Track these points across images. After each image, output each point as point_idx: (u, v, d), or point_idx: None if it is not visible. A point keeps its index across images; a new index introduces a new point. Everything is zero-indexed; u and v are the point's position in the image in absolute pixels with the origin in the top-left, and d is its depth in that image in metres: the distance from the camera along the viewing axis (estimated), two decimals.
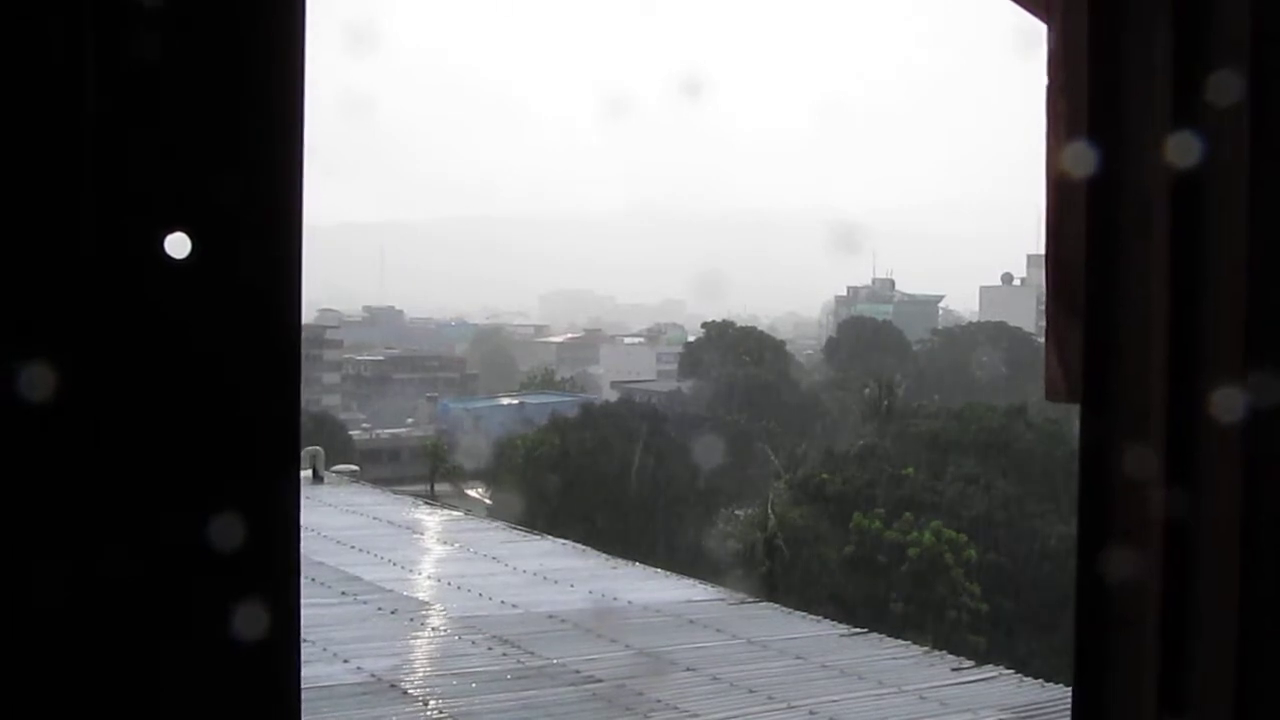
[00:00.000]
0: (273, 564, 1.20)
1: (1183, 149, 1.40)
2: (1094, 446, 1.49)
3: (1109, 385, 1.47)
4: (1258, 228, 1.36)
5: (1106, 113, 1.47)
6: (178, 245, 1.19)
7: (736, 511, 42.61)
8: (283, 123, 1.22)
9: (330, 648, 15.89)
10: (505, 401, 73.09)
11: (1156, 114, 1.43)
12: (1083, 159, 1.51)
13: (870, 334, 71.76)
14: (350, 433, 69.40)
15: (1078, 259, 1.53)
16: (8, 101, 1.14)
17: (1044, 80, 1.61)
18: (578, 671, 16.33)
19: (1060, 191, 1.60)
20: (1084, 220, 1.50)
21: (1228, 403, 1.38)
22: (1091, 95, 1.48)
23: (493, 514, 41.74)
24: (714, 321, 65.93)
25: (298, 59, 1.23)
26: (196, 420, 1.20)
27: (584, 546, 25.67)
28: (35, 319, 1.15)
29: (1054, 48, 1.60)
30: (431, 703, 14.75)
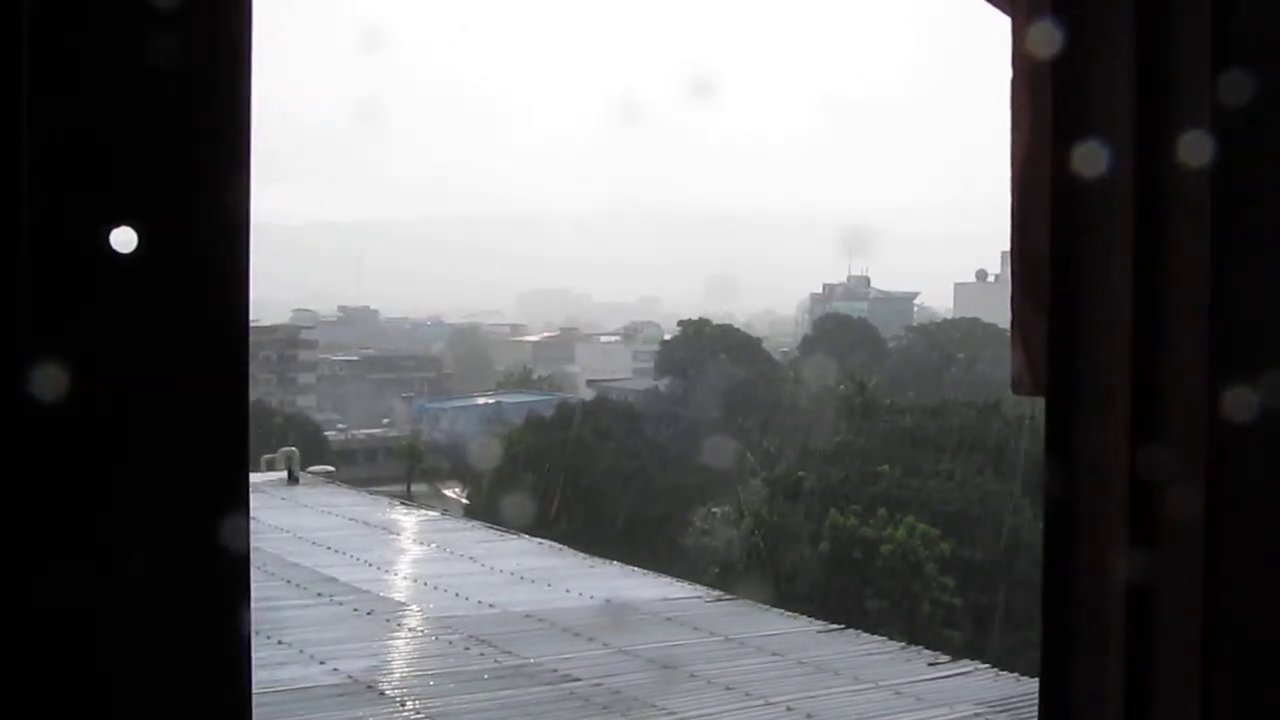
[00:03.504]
0: (223, 564, 1.20)
1: (1147, 145, 1.41)
2: (1060, 435, 1.50)
3: (1073, 377, 1.48)
4: (1221, 224, 1.38)
5: (1070, 108, 1.48)
6: (123, 242, 1.18)
7: (713, 509, 42.67)
8: (229, 121, 1.21)
9: (306, 649, 15.83)
10: (481, 401, 73.00)
11: (1120, 111, 1.44)
12: (1047, 153, 1.52)
13: (846, 331, 72.02)
14: (325, 433, 69.15)
15: (1043, 253, 1.54)
16: None
17: (1009, 73, 1.62)
18: (555, 671, 16.31)
19: (1025, 185, 1.61)
20: (1048, 214, 1.51)
21: (1193, 392, 1.39)
22: (1055, 90, 1.49)
23: (469, 513, 41.66)
24: (690, 320, 66.02)
25: (244, 52, 1.22)
26: (144, 420, 1.19)
27: (561, 546, 25.66)
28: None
29: (1017, 40, 1.61)
30: (409, 703, 14.70)
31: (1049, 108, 1.53)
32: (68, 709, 1.16)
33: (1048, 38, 1.49)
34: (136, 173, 1.19)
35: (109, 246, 1.16)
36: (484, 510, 40.80)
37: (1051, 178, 1.49)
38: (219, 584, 1.19)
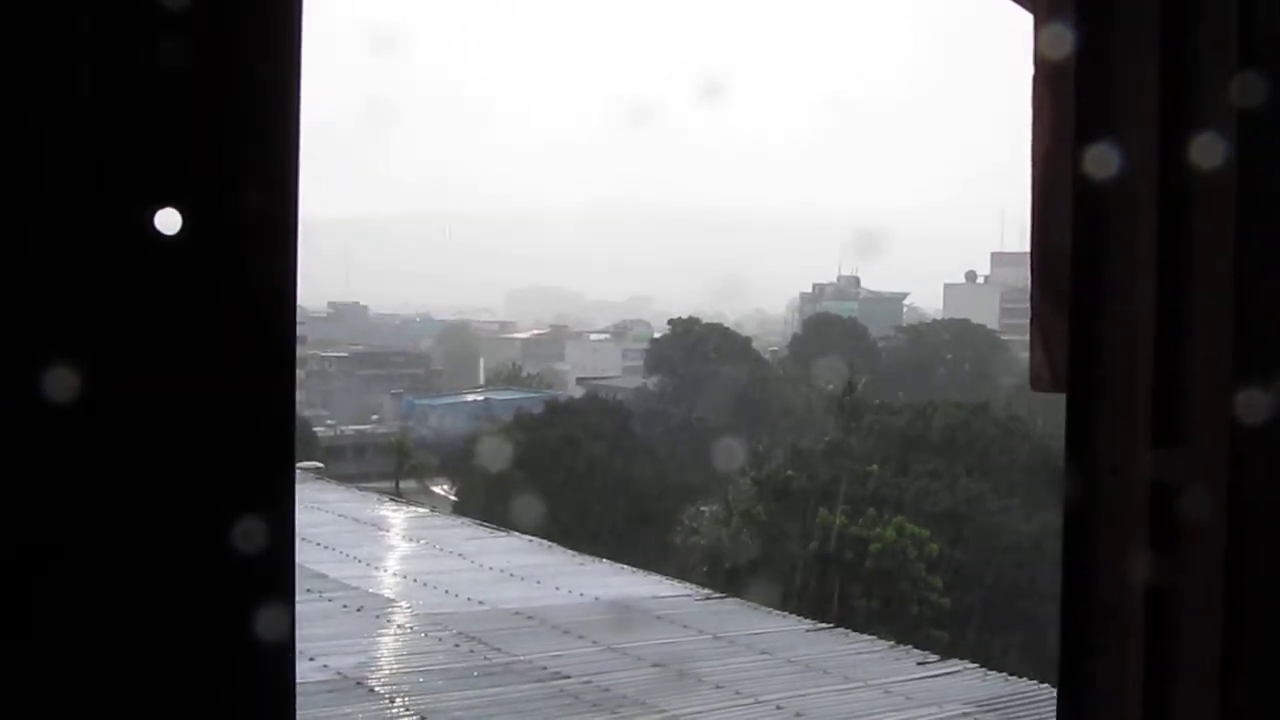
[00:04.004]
0: (272, 561, 1.19)
1: (1170, 145, 1.41)
2: (1080, 436, 1.49)
3: (1094, 378, 1.48)
4: (1245, 224, 1.37)
5: (1094, 109, 1.47)
6: (177, 240, 1.18)
7: (702, 508, 42.68)
8: (279, 121, 1.21)
9: (296, 645, 15.81)
10: (470, 398, 72.92)
11: (1145, 113, 1.44)
12: (1068, 153, 1.51)
13: (835, 331, 72.08)
14: (314, 429, 68.96)
15: (1064, 251, 1.53)
16: (7, 99, 1.13)
17: (1029, 72, 1.62)
18: (545, 668, 16.29)
19: (1045, 185, 1.61)
20: (1070, 212, 1.51)
21: (1214, 395, 1.39)
22: (1079, 91, 1.49)
23: (458, 510, 41.60)
24: (680, 318, 66.04)
25: (294, 51, 1.22)
26: (194, 418, 1.19)
27: (550, 543, 25.64)
28: (37, 317, 1.13)
29: (1040, 39, 1.61)
30: (398, 700, 14.68)
31: (1070, 107, 1.53)
32: (109, 699, 1.15)
33: (1070, 37, 1.49)
34: (183, 159, 1.18)
35: (154, 228, 1.15)
36: (473, 507, 40.75)
37: (1074, 177, 1.49)
38: (269, 579, 1.19)
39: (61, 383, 1.12)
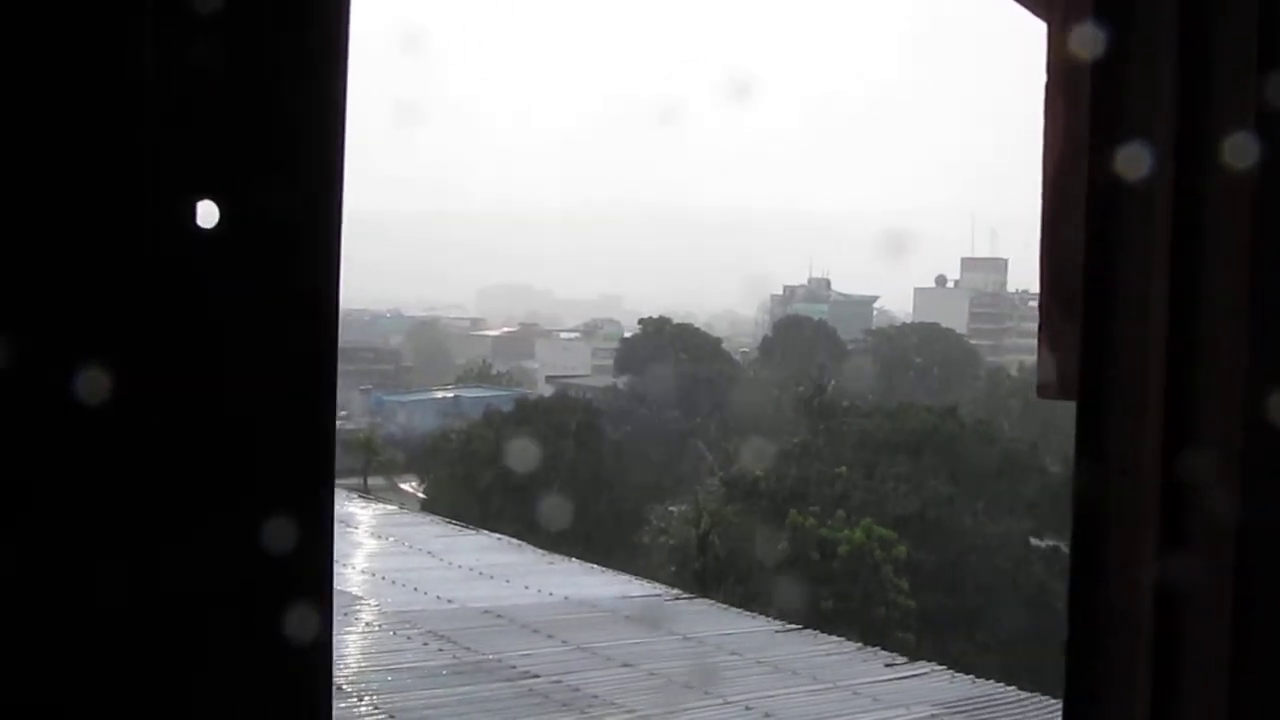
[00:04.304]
0: (313, 565, 1.18)
1: (1186, 149, 1.42)
2: (1091, 437, 1.50)
3: (1106, 379, 1.48)
4: (1261, 228, 1.38)
5: (1111, 114, 1.48)
6: (217, 237, 1.17)
7: (671, 508, 42.69)
8: (323, 125, 1.20)
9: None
10: (440, 395, 72.65)
11: (1160, 114, 1.45)
12: (1080, 157, 1.52)
13: (805, 333, 72.27)
14: None
15: (1073, 256, 1.54)
16: (74, 93, 1.12)
17: (1042, 78, 1.62)
18: (514, 667, 16.26)
19: (1056, 188, 1.62)
20: (1082, 218, 1.51)
21: (1228, 397, 1.40)
22: (1095, 96, 1.50)
23: (426, 508, 41.44)
24: (650, 318, 66.03)
25: (342, 59, 1.22)
26: (237, 423, 1.17)
27: (520, 542, 25.59)
28: (91, 320, 1.13)
29: (1054, 46, 1.62)
30: (366, 698, 14.61)
31: (1083, 112, 1.53)
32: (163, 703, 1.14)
33: (1088, 41, 1.50)
34: (226, 157, 1.17)
35: (194, 225, 1.15)
36: (441, 505, 40.60)
37: (1089, 181, 1.49)
38: (309, 582, 1.18)
39: (97, 383, 1.11)
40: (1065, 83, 1.60)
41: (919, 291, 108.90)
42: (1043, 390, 1.66)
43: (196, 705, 1.16)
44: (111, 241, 1.12)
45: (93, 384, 1.10)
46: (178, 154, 1.15)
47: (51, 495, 1.12)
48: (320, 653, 1.20)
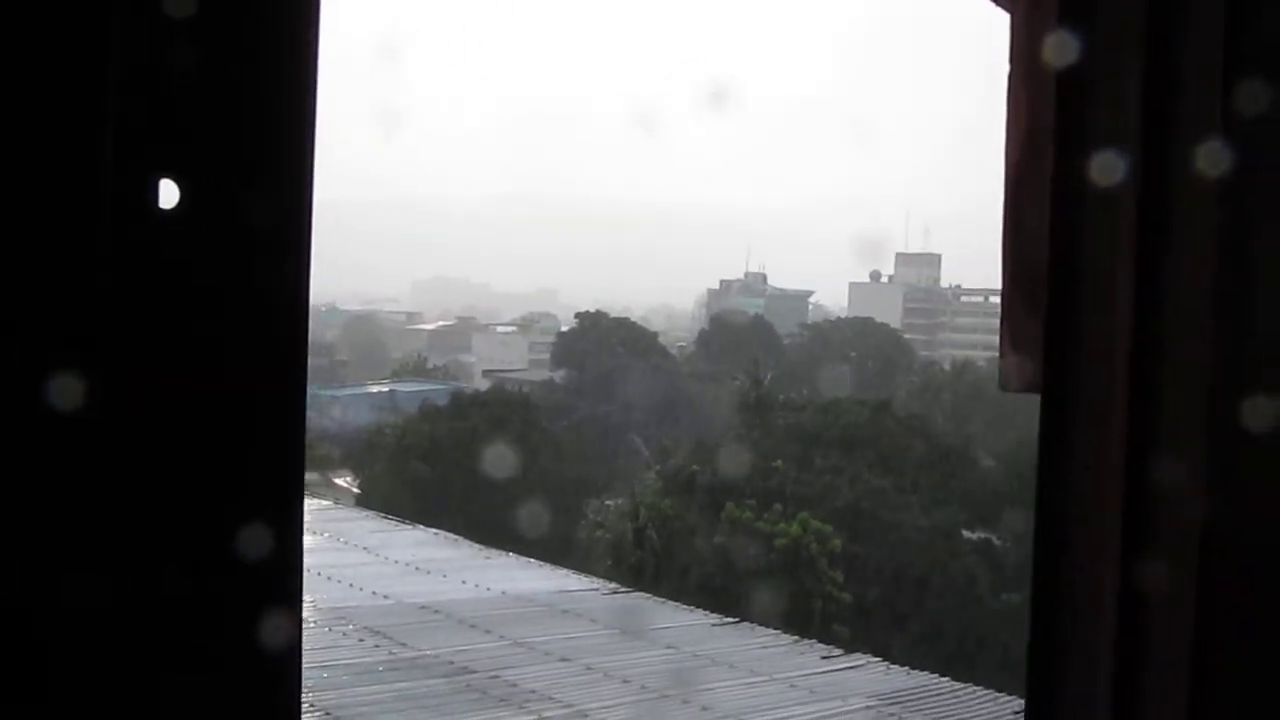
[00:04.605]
0: (282, 566, 1.13)
1: (1154, 152, 1.41)
2: (1055, 437, 1.49)
3: (1070, 380, 1.47)
4: (1227, 232, 1.38)
5: (1075, 111, 1.47)
6: (185, 238, 1.11)
7: (607, 502, 42.71)
8: (293, 123, 1.16)
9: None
10: (375, 389, 72.01)
11: (1127, 115, 1.44)
12: (1043, 152, 1.50)
13: (742, 327, 72.64)
14: None
15: (1036, 248, 1.53)
16: (35, 94, 1.07)
17: (1004, 69, 1.61)
18: (451, 663, 16.16)
19: (1018, 183, 1.60)
20: (1045, 213, 1.50)
21: (1193, 399, 1.39)
22: (1059, 92, 1.48)
23: (361, 503, 41.08)
24: (587, 312, 65.98)
25: (311, 55, 1.18)
26: (203, 422, 1.13)
27: (456, 536, 25.45)
28: (55, 325, 1.07)
29: (1017, 36, 1.60)
30: (303, 695, 14.45)
31: (1045, 107, 1.52)
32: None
33: (1055, 42, 1.48)
34: (195, 156, 1.12)
35: (163, 224, 1.10)
36: (376, 500, 40.24)
37: (1053, 180, 1.48)
38: (272, 588, 1.13)
39: (70, 390, 1.06)
40: (1028, 73, 1.58)
41: (854, 286, 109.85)
42: (1005, 383, 1.64)
43: (168, 711, 1.11)
44: (69, 222, 1.07)
45: (55, 380, 1.05)
46: (142, 155, 1.10)
47: (10, 497, 1.06)
48: (291, 654, 1.15)
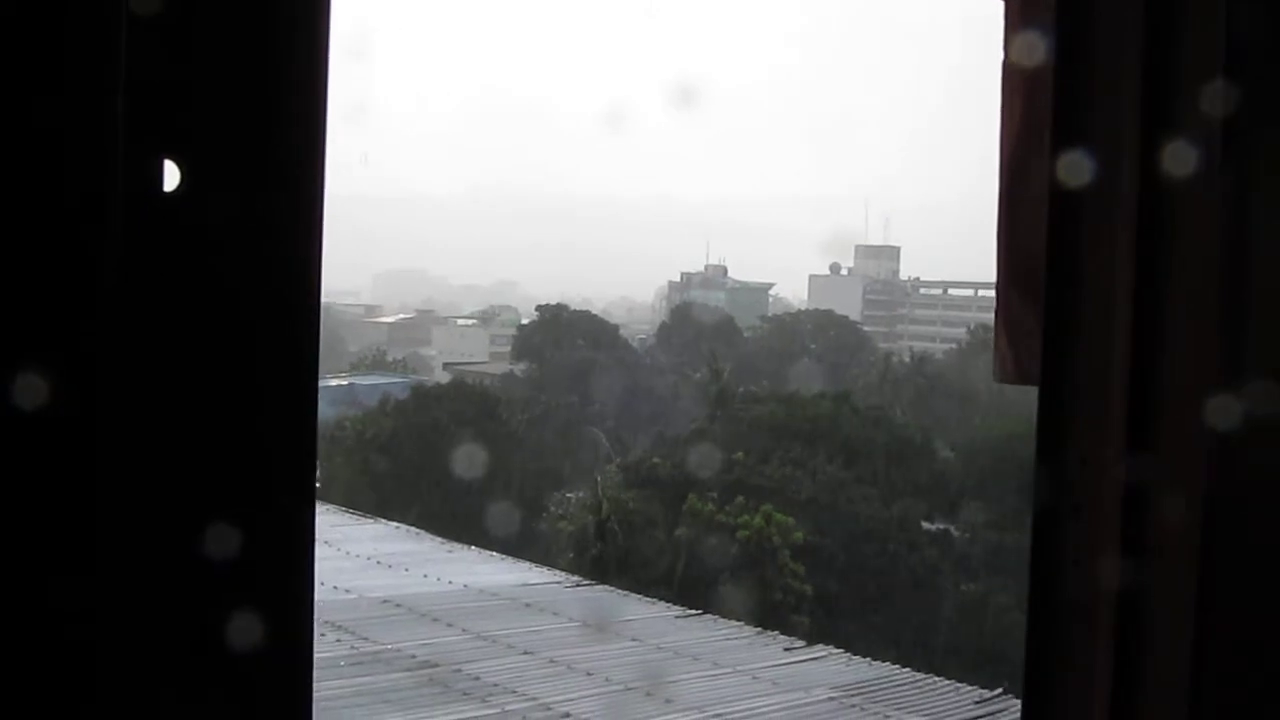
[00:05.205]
0: (289, 572, 1.10)
1: (1151, 148, 1.40)
2: (1052, 434, 1.48)
3: (1068, 379, 1.46)
4: (1227, 231, 1.37)
5: (1073, 108, 1.46)
6: (196, 228, 1.07)
7: (569, 494, 42.66)
8: (305, 114, 1.13)
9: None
10: (334, 382, 71.46)
11: (1124, 113, 1.43)
12: (1038, 147, 1.49)
13: (702, 320, 72.73)
14: None
15: (1033, 243, 1.52)
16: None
17: (999, 57, 1.59)
18: (414, 657, 16.09)
19: (1014, 177, 1.59)
20: (1041, 205, 1.49)
21: (1191, 398, 1.38)
22: (1056, 90, 1.47)
23: (321, 497, 40.80)
24: (548, 304, 65.82)
25: (322, 55, 1.15)
26: (213, 429, 1.10)
27: (418, 530, 25.32)
28: (44, 325, 1.04)
29: (1013, 26, 1.59)
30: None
31: (1041, 102, 1.51)
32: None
33: (1047, 34, 1.47)
34: (208, 145, 1.09)
35: (173, 214, 1.06)
36: (335, 494, 39.99)
37: (1051, 177, 1.47)
38: (287, 588, 1.10)
39: (69, 389, 1.02)
40: (1024, 73, 1.57)
41: (814, 279, 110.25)
42: (1000, 374, 1.63)
43: (171, 711, 1.08)
44: (76, 211, 1.03)
45: (55, 378, 1.01)
46: (152, 144, 1.07)
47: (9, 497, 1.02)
48: (301, 649, 1.13)
